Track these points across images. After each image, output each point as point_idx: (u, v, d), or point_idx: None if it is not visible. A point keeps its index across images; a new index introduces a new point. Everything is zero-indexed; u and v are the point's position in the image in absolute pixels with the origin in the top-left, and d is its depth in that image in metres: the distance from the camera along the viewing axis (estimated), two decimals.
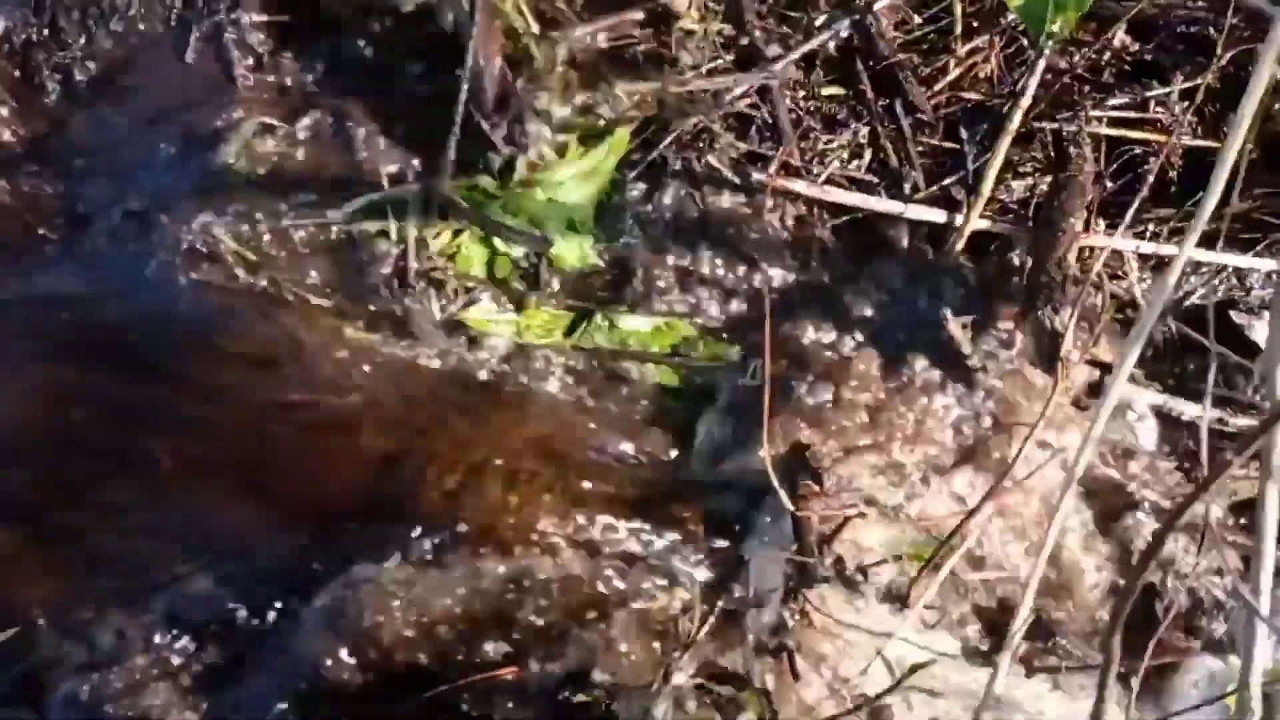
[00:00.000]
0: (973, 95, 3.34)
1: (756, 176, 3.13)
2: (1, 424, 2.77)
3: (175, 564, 2.63)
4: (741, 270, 3.09)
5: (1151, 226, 3.20)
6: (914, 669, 2.07)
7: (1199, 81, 3.16)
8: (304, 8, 3.21)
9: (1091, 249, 3.08)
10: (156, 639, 2.53)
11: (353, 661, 2.48)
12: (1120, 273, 3.20)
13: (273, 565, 2.63)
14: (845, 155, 3.30)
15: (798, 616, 2.57)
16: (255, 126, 3.03)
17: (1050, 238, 3.00)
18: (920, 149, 3.31)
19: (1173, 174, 3.26)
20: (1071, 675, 2.60)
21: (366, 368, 2.83)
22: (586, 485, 2.76)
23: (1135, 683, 1.85)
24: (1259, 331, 3.05)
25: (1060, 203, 3.06)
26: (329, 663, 2.47)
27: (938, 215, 3.17)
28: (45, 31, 3.15)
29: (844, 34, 3.28)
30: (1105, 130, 3.25)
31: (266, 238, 2.90)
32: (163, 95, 3.15)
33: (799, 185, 3.15)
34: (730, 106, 3.18)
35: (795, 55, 3.21)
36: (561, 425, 2.85)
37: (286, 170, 3.01)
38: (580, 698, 2.36)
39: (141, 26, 3.19)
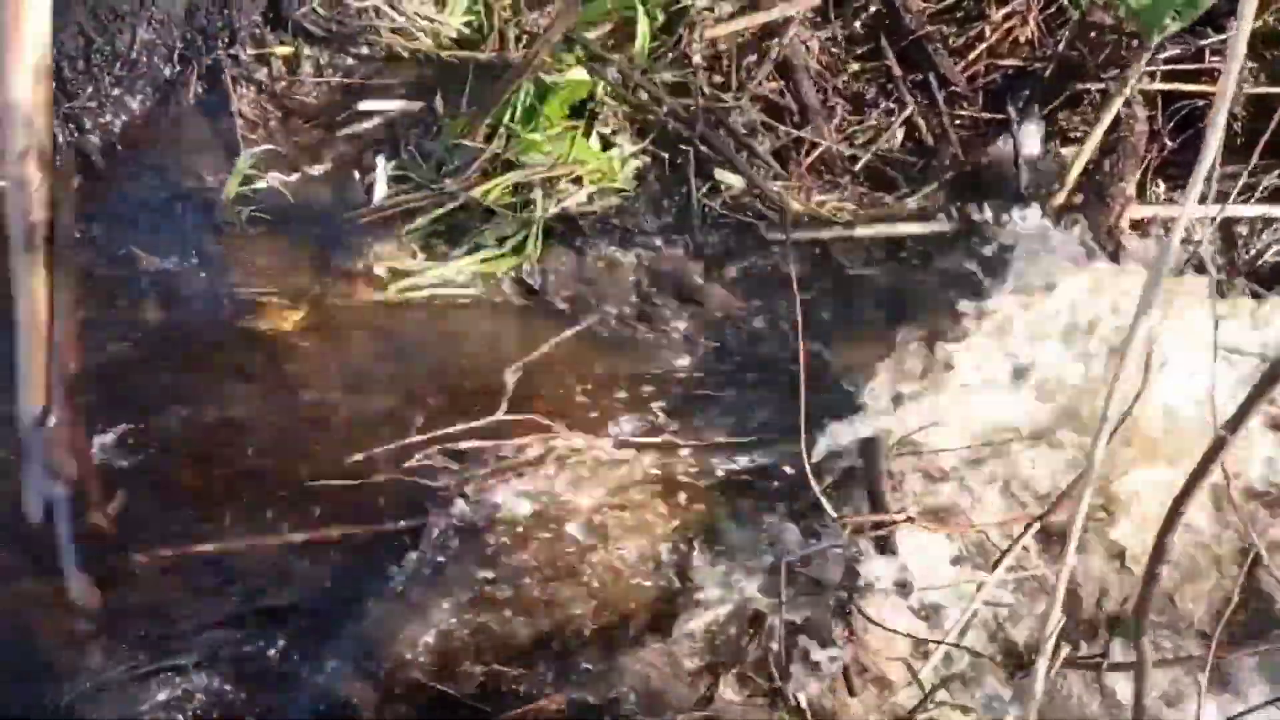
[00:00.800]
0: (1012, 61, 3.15)
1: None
2: None
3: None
4: None
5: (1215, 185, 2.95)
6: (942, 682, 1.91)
7: (1256, 24, 2.92)
8: None
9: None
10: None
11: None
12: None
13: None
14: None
15: (848, 634, 2.43)
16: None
17: (1101, 205, 2.80)
18: (958, 121, 3.13)
19: (1236, 127, 3.01)
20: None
21: None
22: None
23: (1203, 675, 1.67)
24: None
25: (1111, 167, 2.86)
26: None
27: None
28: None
29: (871, 8, 3.13)
30: (1159, 85, 3.02)
31: None
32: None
33: None
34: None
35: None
36: None
37: None
38: None
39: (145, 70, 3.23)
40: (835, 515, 2.38)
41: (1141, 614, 1.10)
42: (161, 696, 2.46)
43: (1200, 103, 3.06)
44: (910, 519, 2.46)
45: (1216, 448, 1.03)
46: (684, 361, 2.93)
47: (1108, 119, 2.82)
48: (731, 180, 3.03)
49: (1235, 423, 1.05)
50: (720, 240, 3.05)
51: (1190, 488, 1.07)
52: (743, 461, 2.76)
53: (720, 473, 2.76)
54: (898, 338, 2.86)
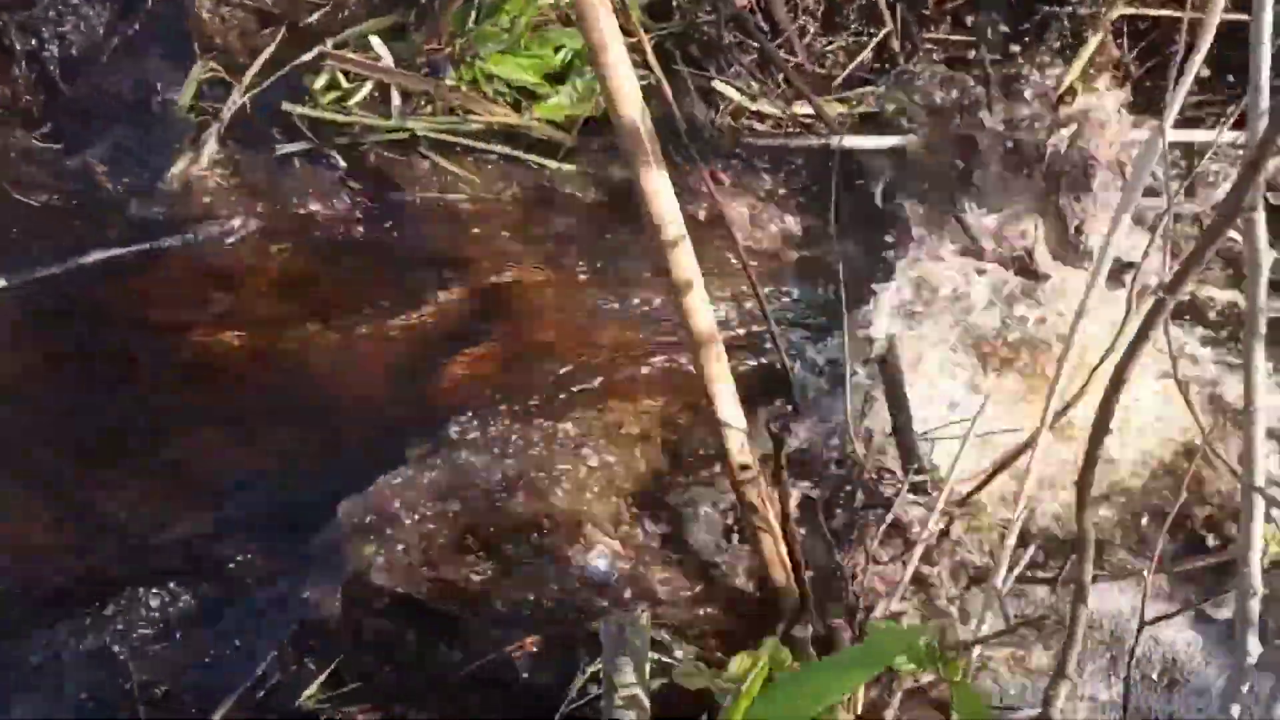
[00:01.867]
0: None
1: None
2: None
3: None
4: None
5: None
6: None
7: None
8: None
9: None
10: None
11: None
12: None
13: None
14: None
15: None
16: None
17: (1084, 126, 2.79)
18: (927, 45, 3.12)
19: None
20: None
21: None
22: None
23: (1148, 577, 1.69)
24: None
25: (1079, 92, 2.85)
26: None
27: None
28: None
29: None
30: (1124, 10, 3.00)
31: None
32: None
33: None
34: None
35: None
36: None
37: None
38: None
39: None
40: None
41: (1084, 485, 1.09)
42: (125, 607, 2.46)
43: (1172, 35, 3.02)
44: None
45: (1156, 310, 1.02)
46: None
47: (1094, 43, 2.81)
48: (731, 94, 3.02)
49: (1174, 284, 1.04)
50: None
51: (1133, 351, 1.06)
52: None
53: None
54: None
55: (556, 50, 3.01)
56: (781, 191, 2.99)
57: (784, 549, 2.03)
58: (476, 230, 2.92)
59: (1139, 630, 1.64)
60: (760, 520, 2.01)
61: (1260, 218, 1.12)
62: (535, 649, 2.32)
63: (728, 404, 1.90)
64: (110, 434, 2.72)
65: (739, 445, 1.94)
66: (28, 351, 2.84)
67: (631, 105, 1.70)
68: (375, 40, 3.04)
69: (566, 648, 2.25)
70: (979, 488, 2.23)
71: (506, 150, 3.01)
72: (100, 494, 2.66)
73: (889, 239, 2.90)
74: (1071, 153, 2.75)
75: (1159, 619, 1.59)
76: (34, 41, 3.14)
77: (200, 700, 2.31)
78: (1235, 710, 1.56)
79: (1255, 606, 1.38)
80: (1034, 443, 1.85)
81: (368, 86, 3.05)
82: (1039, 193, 2.80)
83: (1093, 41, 2.95)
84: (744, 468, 1.95)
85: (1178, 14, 2.98)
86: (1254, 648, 1.43)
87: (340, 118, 3.02)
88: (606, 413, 2.66)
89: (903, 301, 2.75)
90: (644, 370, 2.74)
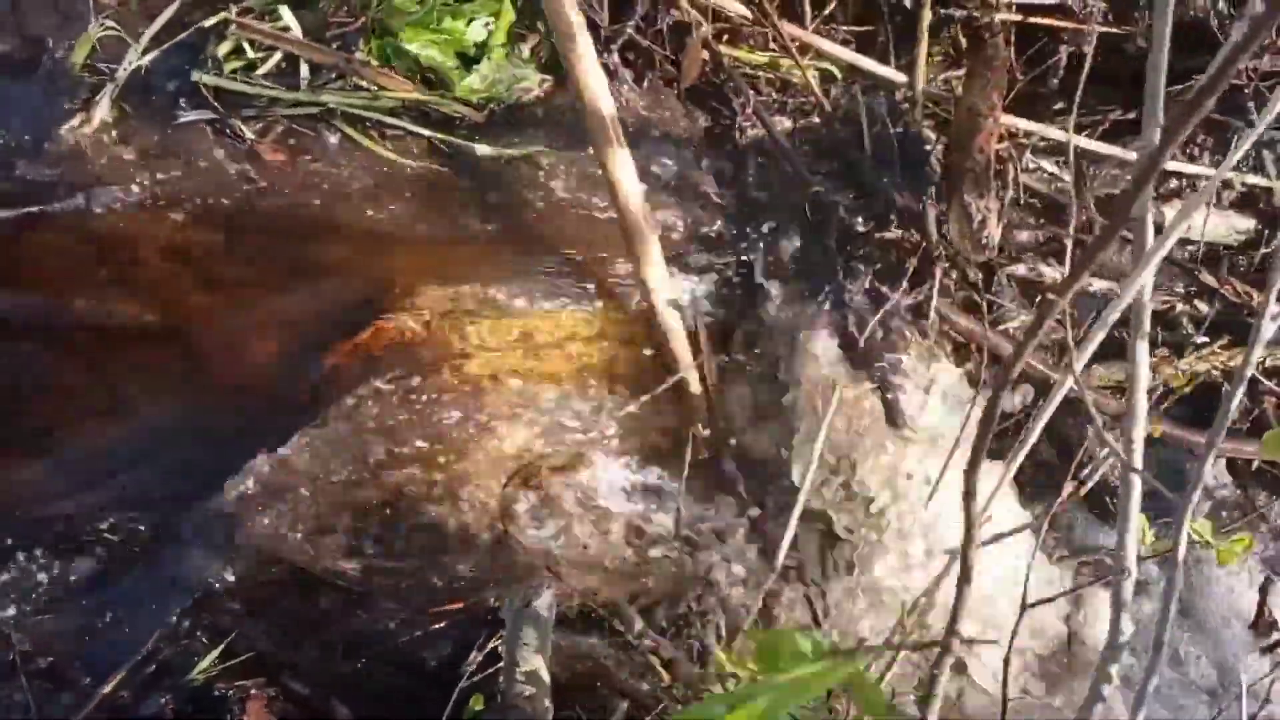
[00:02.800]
0: None
1: None
2: None
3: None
4: None
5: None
6: None
7: None
8: None
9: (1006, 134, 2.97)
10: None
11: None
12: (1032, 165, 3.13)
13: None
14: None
15: None
16: None
17: (971, 125, 2.87)
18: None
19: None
20: None
21: None
22: None
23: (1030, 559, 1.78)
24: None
25: (979, 90, 2.93)
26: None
27: None
28: None
29: None
30: (1015, 17, 3.12)
31: None
32: None
33: None
34: None
35: None
36: None
37: None
38: None
39: None
40: None
41: (978, 449, 1.15)
42: (11, 580, 2.39)
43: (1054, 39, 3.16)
44: None
45: (1047, 308, 1.08)
46: None
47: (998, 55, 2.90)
48: None
49: (1065, 285, 1.11)
50: None
51: (1025, 343, 1.12)
52: None
53: None
54: None
55: (469, 22, 2.99)
56: None
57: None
58: (381, 206, 2.90)
59: (1021, 612, 1.73)
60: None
61: (1149, 222, 1.21)
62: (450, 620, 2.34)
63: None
64: None
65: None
66: None
67: (597, 94, 1.80)
68: (284, 9, 2.99)
69: (469, 621, 2.27)
70: None
71: (417, 128, 2.98)
72: None
73: None
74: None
75: (1040, 602, 1.67)
76: None
77: (89, 673, 2.26)
78: (1107, 689, 1.65)
79: (1129, 587, 1.47)
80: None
81: (276, 57, 2.99)
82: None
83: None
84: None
85: (1063, 23, 3.15)
86: (1127, 628, 1.52)
87: (246, 88, 2.95)
88: (503, 384, 2.68)
89: None
90: (542, 341, 2.77)
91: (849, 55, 3.15)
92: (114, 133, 2.90)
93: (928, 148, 2.95)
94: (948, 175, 2.83)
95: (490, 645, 2.21)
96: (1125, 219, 1.09)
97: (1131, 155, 2.97)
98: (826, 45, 3.16)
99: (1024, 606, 1.62)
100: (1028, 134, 3.08)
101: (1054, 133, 3.05)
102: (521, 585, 2.07)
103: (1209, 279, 3.05)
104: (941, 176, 2.86)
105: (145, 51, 2.97)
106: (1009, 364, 1.12)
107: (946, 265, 2.72)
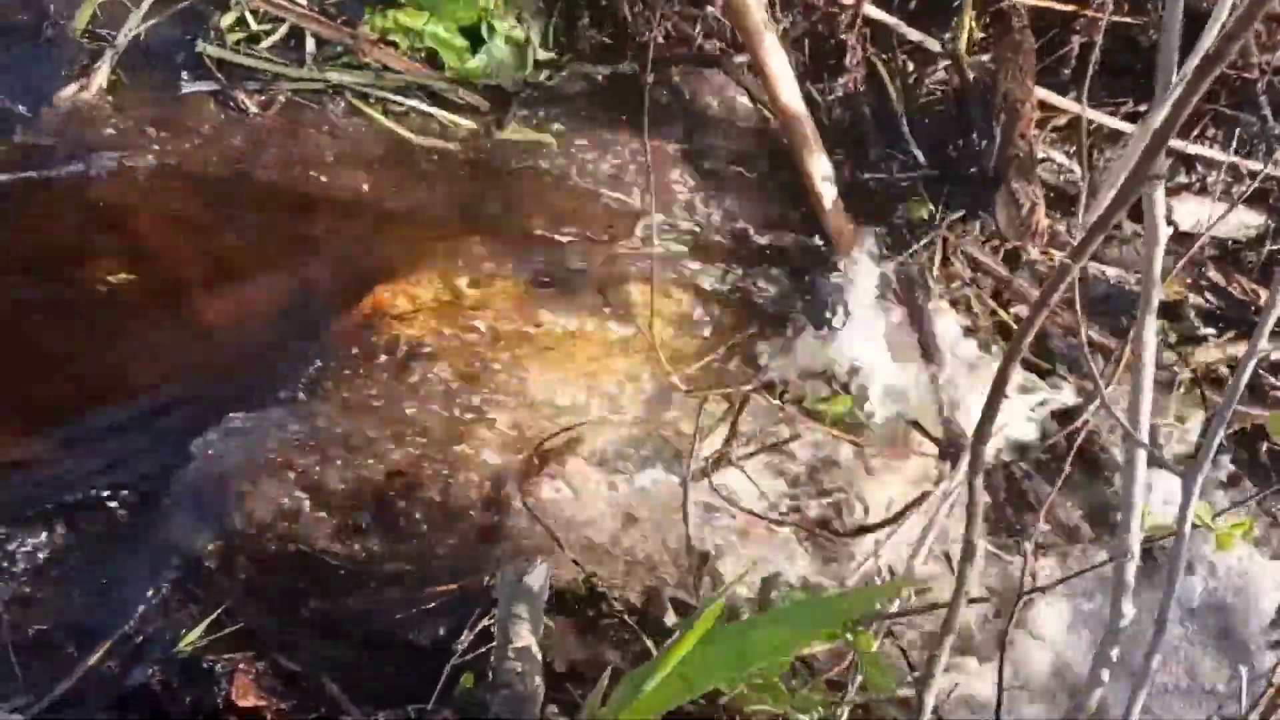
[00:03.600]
0: None
1: None
2: None
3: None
4: None
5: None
6: None
7: None
8: None
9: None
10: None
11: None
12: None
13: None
14: None
15: None
16: None
17: (1011, 112, 2.84)
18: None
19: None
20: None
21: None
22: None
23: (1029, 548, 1.75)
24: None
25: (1014, 77, 2.89)
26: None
27: None
28: None
29: None
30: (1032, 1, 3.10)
31: None
32: None
33: None
34: None
35: None
36: None
37: None
38: None
39: None
40: None
41: (977, 450, 1.13)
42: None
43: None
44: None
45: (1061, 274, 1.06)
46: None
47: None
48: None
49: (1079, 250, 1.08)
50: None
51: (1032, 318, 1.10)
52: None
53: None
54: None
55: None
56: None
57: None
58: (385, 179, 2.88)
59: (1016, 600, 1.71)
60: None
61: (1161, 189, 1.18)
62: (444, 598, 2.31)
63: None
64: None
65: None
66: None
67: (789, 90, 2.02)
68: None
69: (462, 599, 2.24)
70: None
71: (424, 106, 2.96)
72: None
73: None
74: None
75: (1036, 590, 1.65)
76: None
77: (76, 643, 2.24)
78: (1105, 674, 1.63)
79: (1132, 569, 1.44)
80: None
81: (282, 29, 2.97)
82: None
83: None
84: None
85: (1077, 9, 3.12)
86: (1128, 611, 1.50)
87: (250, 61, 2.93)
88: (492, 360, 2.66)
89: None
90: (530, 315, 2.75)
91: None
92: (114, 99, 2.88)
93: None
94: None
95: (482, 624, 2.18)
96: (1140, 182, 1.06)
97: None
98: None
99: (1020, 595, 1.60)
100: (1040, 124, 3.05)
101: (1070, 105, 3.00)
102: (515, 560, 2.04)
103: (1216, 275, 3.03)
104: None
105: (146, 18, 2.94)
106: (1023, 329, 1.09)
107: None
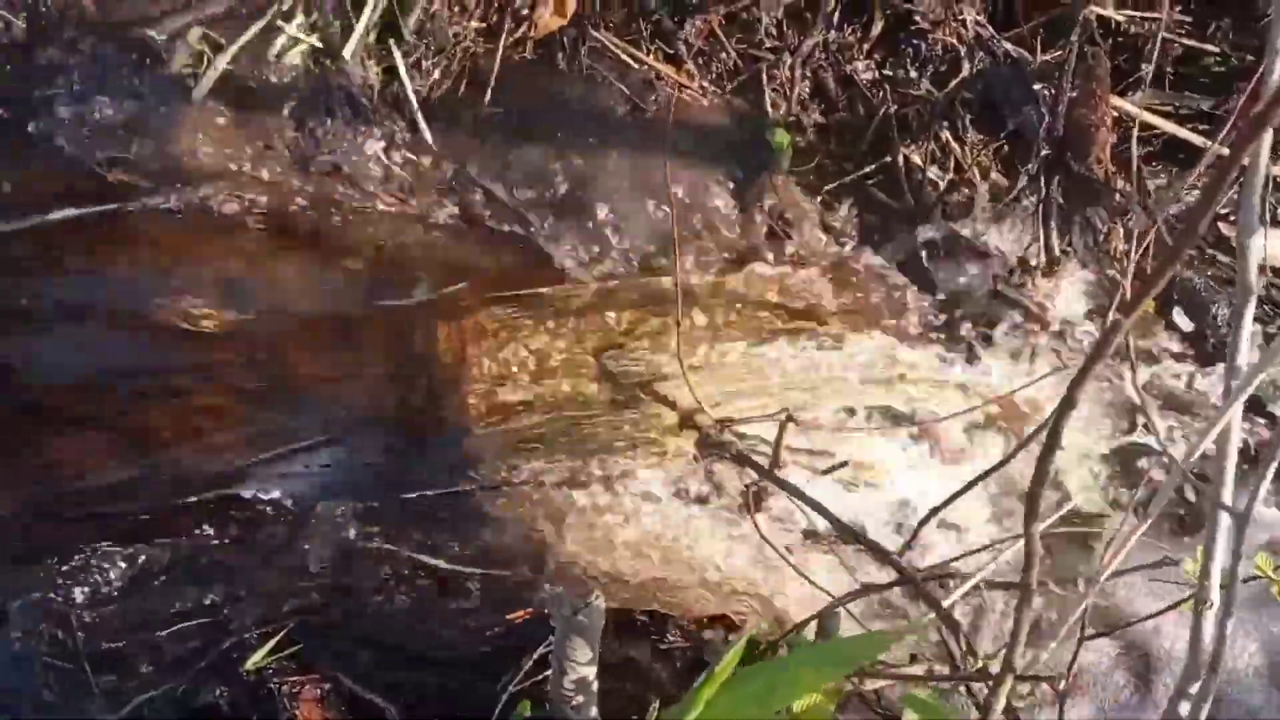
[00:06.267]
0: None
1: None
2: None
3: None
4: None
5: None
6: None
7: None
8: None
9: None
10: None
11: None
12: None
13: None
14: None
15: None
16: None
17: (1082, 137, 2.76)
18: None
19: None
20: None
21: None
22: None
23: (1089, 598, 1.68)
24: None
25: (1086, 101, 2.80)
26: None
27: None
28: None
29: None
30: (1105, 11, 3.00)
31: None
32: None
33: None
34: None
35: None
36: None
37: None
38: None
39: None
40: None
41: (1033, 497, 1.08)
42: (77, 567, 2.41)
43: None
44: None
45: (1111, 331, 1.01)
46: None
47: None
48: None
49: (1130, 306, 1.03)
50: None
51: (1086, 369, 1.05)
52: None
53: None
54: None
55: None
56: None
57: None
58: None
59: (1077, 645, 1.66)
60: None
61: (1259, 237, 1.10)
62: (526, 619, 2.31)
63: None
64: (68, 393, 2.65)
65: None
66: None
67: None
68: None
69: (524, 625, 2.25)
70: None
71: None
72: (56, 454, 2.60)
73: None
74: None
75: (1103, 634, 1.59)
76: None
77: (148, 662, 2.28)
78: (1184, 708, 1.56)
79: (1211, 617, 1.38)
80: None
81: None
82: None
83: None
84: None
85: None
86: (1206, 658, 1.43)
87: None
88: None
89: None
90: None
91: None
92: (222, 122, 2.87)
93: None
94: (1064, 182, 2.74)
95: (540, 650, 2.18)
96: (1202, 218, 1.01)
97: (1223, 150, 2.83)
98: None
99: (1081, 638, 1.54)
100: None
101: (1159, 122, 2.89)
102: (570, 592, 2.03)
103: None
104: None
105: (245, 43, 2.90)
106: (1073, 388, 1.04)
107: None
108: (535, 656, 2.14)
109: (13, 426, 2.60)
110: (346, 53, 2.74)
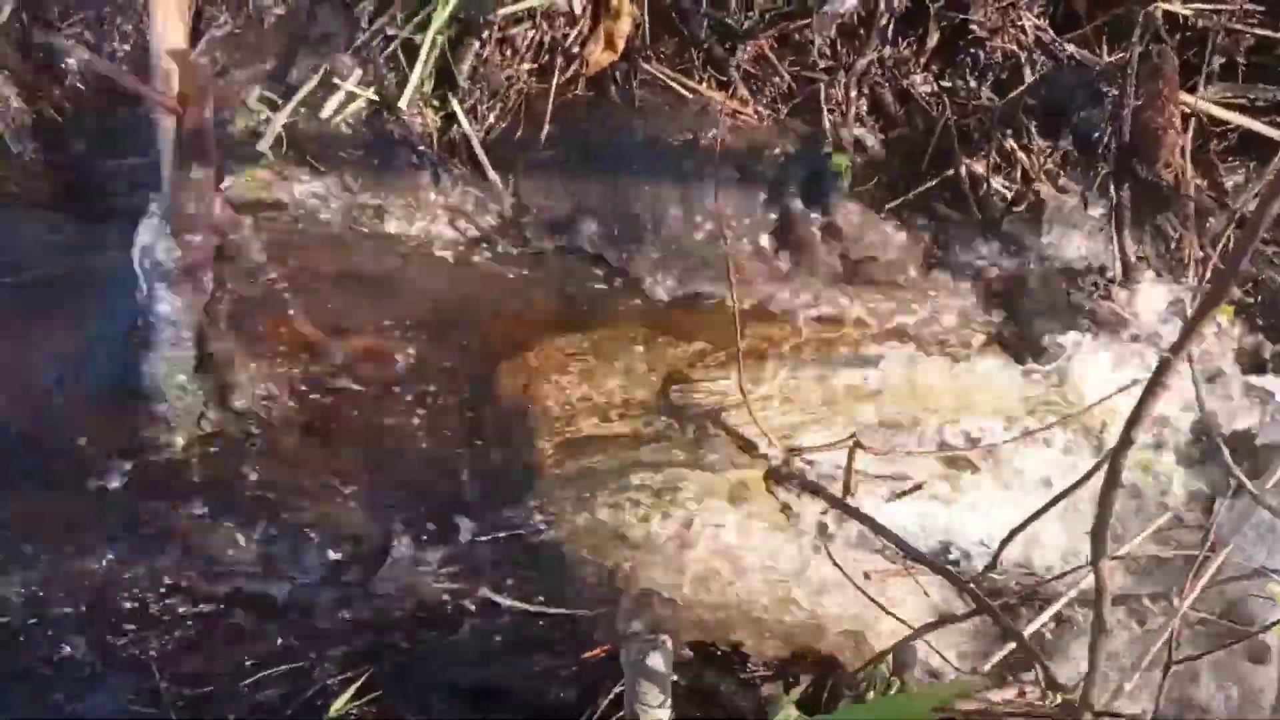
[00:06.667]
0: None
1: None
2: None
3: None
4: None
5: None
6: None
7: None
8: None
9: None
10: None
11: None
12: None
13: None
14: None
15: None
16: None
17: (1149, 141, 2.67)
18: None
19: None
20: None
21: None
22: None
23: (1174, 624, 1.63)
24: None
25: (1153, 104, 2.71)
26: None
27: None
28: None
29: None
30: (1173, 7, 2.90)
31: None
32: None
33: None
34: None
35: None
36: None
37: None
38: None
39: None
40: None
41: (1099, 535, 1.05)
42: (161, 615, 2.49)
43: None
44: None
45: (1162, 369, 0.98)
46: None
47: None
48: None
49: (1179, 345, 0.99)
50: None
51: (1140, 411, 1.02)
52: None
53: None
54: None
55: None
56: None
57: None
58: None
59: (1165, 671, 1.59)
60: None
61: None
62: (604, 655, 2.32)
63: None
64: None
65: None
66: None
67: None
68: None
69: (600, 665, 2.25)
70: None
71: None
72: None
73: None
74: None
75: (1186, 659, 1.53)
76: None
77: (231, 706, 2.34)
78: None
79: None
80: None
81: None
82: None
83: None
84: None
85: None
86: None
87: None
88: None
89: None
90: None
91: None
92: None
93: None
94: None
95: (616, 689, 2.18)
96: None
97: None
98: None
99: (1168, 666, 1.48)
100: None
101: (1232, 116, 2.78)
102: (639, 637, 2.03)
103: None
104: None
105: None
106: (1128, 428, 1.00)
107: None
108: (609, 698, 2.14)
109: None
110: (403, 103, 2.78)
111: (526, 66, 2.88)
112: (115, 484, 2.56)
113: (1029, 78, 2.86)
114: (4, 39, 2.89)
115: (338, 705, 2.31)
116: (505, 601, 2.40)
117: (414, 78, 2.80)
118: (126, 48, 2.84)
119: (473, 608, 2.44)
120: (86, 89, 2.85)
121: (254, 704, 2.38)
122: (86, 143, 2.82)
